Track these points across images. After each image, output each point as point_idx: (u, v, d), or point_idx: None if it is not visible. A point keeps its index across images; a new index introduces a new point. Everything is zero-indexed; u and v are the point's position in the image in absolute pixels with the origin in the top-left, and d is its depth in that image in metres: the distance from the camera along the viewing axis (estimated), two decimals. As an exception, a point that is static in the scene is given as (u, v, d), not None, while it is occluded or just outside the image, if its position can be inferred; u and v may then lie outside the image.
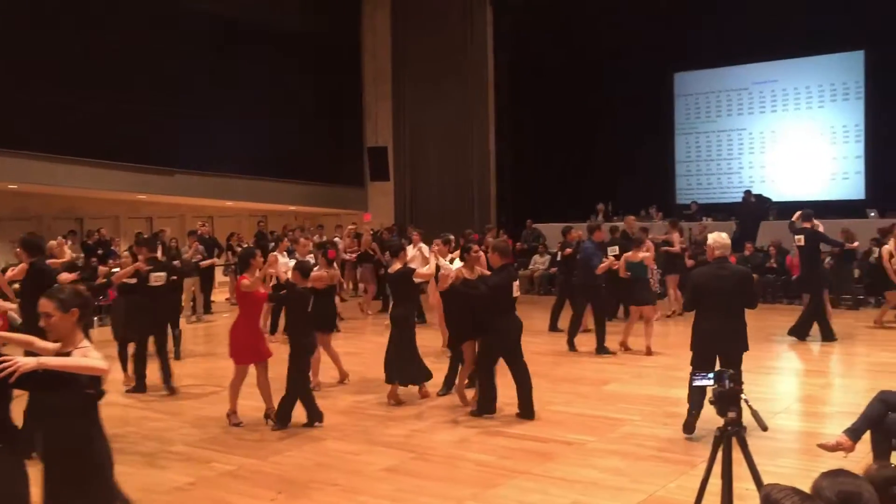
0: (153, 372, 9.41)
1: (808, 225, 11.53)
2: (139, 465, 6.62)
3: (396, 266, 8.62)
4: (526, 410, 7.62)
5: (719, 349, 6.61)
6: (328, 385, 9.27)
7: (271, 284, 8.48)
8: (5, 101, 14.76)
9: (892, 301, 12.47)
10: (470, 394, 8.19)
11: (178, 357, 11.33)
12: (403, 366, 8.36)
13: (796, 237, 11.57)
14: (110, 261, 15.89)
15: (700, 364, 6.56)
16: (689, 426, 6.88)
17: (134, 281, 9.41)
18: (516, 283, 7.70)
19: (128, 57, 16.81)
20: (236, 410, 7.77)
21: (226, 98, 18.83)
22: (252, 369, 7.71)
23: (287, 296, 7.96)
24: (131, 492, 5.97)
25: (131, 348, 9.57)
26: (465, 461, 6.49)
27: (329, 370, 9.46)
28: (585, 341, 11.16)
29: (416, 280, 8.73)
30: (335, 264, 11.85)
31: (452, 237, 10.22)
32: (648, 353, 10.58)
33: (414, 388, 8.67)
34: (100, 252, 16.26)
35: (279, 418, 7.54)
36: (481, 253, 8.87)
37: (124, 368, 9.66)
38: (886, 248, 12.25)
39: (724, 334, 6.62)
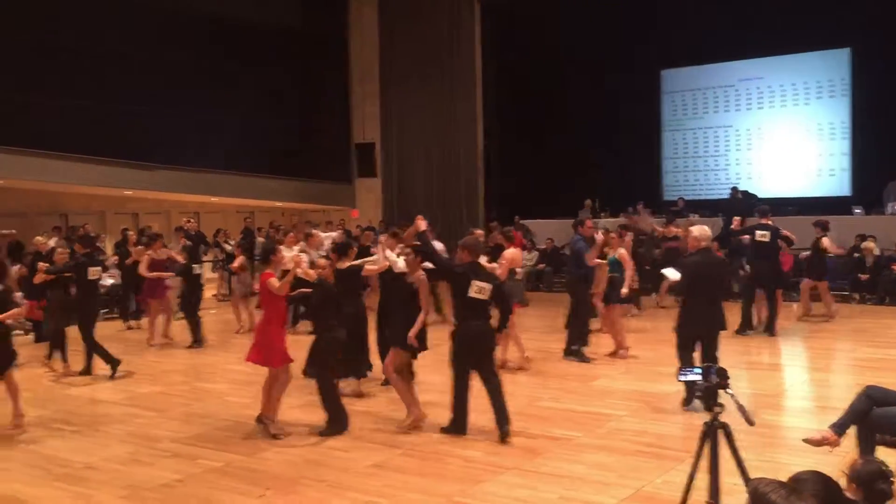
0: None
1: (768, 221, 11.78)
2: (126, 462, 6.59)
3: (345, 264, 8.34)
4: (501, 423, 6.93)
5: (703, 331, 7.51)
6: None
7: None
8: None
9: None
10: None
11: (200, 344, 11.99)
12: (357, 358, 8.50)
13: (759, 233, 11.65)
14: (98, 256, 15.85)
15: (684, 343, 7.54)
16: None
17: (70, 275, 10.01)
18: (481, 285, 6.92)
19: (113, 53, 16.74)
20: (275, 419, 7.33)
21: (212, 94, 18.76)
22: (265, 371, 7.31)
23: (315, 293, 7.56)
24: (118, 489, 5.96)
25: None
26: (452, 457, 6.49)
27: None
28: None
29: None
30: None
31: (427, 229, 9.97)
32: (618, 352, 10.28)
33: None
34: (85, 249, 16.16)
35: (332, 424, 7.19)
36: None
37: (64, 359, 10.24)
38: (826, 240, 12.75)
39: (710, 317, 7.53)
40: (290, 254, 10.47)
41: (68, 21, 16.11)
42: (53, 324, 10.41)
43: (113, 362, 9.85)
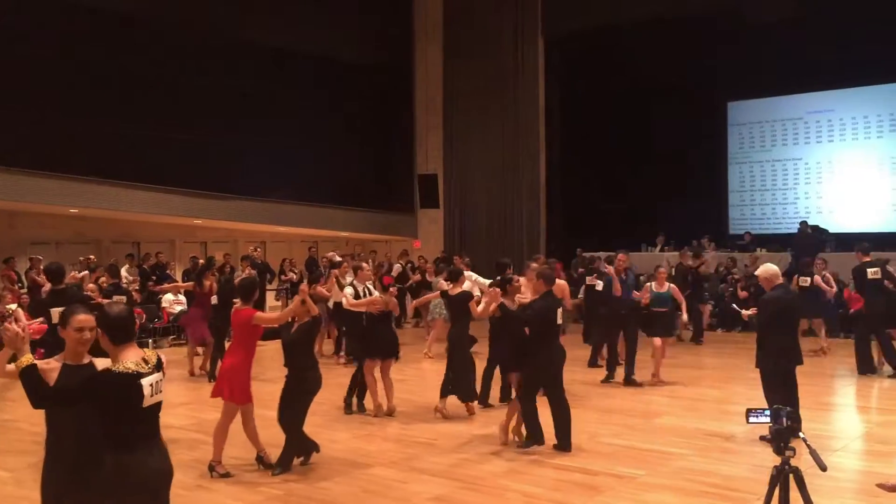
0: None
1: (870, 258, 11.56)
2: (190, 488, 6.70)
3: (457, 290, 9.14)
4: (563, 442, 7.50)
5: (792, 364, 7.63)
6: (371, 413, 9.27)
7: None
8: (66, 128, 15.25)
9: None
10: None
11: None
12: (457, 381, 8.84)
13: (871, 270, 11.40)
14: (165, 283, 16.29)
15: (769, 380, 7.61)
16: None
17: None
18: (560, 310, 7.75)
19: (183, 86, 17.25)
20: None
21: (280, 126, 19.19)
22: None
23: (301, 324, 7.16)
24: (183, 514, 6.05)
25: None
26: (512, 492, 6.43)
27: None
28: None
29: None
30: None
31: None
32: (656, 379, 10.67)
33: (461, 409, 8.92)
34: (154, 277, 16.61)
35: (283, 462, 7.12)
36: (522, 281, 8.94)
37: None
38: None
39: (795, 349, 7.75)
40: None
41: (145, 54, 16.68)
42: None
43: None
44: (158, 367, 3.89)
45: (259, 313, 7.14)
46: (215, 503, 6.31)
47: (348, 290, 9.38)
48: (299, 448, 7.18)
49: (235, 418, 7.07)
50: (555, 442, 7.54)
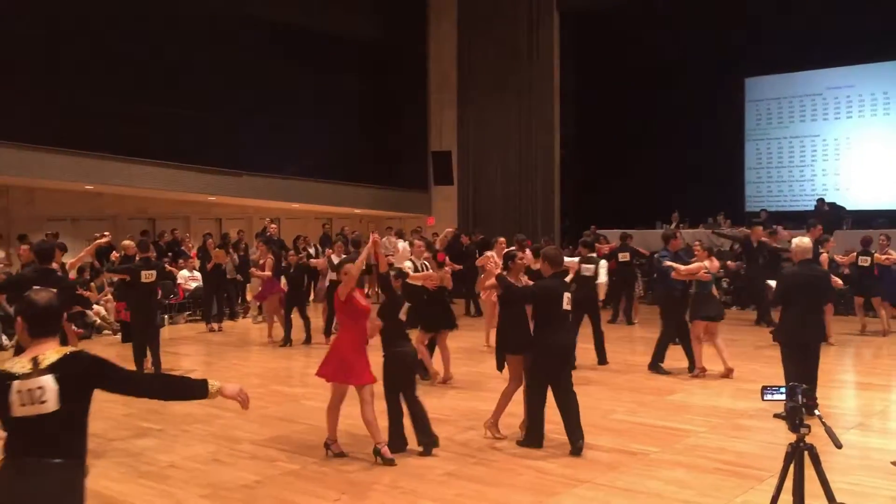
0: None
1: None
2: (207, 462, 6.77)
3: (536, 265, 9.03)
4: (572, 437, 6.78)
5: (805, 339, 7.55)
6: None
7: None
8: (83, 105, 15.29)
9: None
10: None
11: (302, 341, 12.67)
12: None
13: None
14: (180, 261, 16.37)
15: (787, 353, 7.58)
16: None
17: (127, 277, 10.32)
18: (568, 296, 6.95)
19: (199, 63, 17.22)
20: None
21: (295, 103, 19.18)
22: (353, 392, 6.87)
23: (382, 303, 7.16)
24: (199, 488, 6.13)
25: None
26: (526, 468, 6.46)
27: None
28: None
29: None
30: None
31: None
32: (728, 373, 9.62)
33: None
34: (170, 253, 16.69)
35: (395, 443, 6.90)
36: (526, 260, 8.41)
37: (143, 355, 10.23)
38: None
39: (812, 326, 7.64)
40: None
41: (158, 31, 16.65)
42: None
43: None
44: (56, 369, 3.20)
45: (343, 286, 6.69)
46: (232, 477, 6.37)
47: (407, 264, 9.46)
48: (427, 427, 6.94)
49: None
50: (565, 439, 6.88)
